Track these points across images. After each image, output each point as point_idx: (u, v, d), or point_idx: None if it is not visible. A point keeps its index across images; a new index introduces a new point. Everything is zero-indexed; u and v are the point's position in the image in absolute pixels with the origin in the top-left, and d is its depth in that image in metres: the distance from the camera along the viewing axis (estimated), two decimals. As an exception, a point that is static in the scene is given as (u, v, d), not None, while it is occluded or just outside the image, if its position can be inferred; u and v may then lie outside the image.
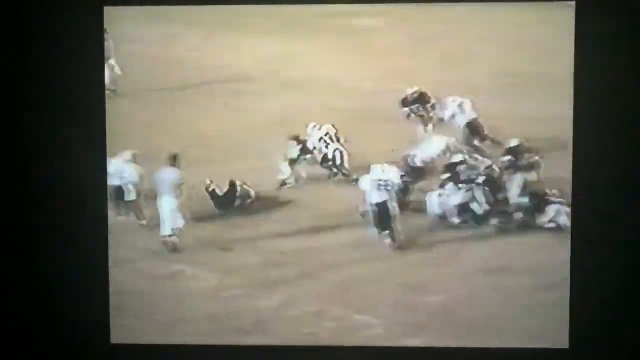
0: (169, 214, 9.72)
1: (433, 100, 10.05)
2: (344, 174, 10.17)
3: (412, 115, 10.14)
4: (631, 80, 8.72)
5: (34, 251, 9.09)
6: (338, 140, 10.15)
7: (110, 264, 9.35)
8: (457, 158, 9.89)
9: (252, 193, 9.97)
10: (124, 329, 9.27)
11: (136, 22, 9.50)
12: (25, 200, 9.06)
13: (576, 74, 8.76)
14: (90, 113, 9.08)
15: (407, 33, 9.58)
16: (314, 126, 10.06)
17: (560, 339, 8.90)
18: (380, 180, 9.65)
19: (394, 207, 9.63)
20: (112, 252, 9.37)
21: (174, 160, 9.76)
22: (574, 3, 8.75)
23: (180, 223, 9.71)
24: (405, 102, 10.07)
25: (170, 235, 9.70)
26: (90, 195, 9.12)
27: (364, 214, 9.64)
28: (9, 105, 9.01)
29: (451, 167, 9.87)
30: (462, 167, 9.83)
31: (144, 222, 9.82)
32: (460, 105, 9.94)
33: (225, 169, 9.99)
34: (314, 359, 9.10)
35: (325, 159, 10.24)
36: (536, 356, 8.93)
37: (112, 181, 9.60)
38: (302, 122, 10.05)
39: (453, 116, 10.04)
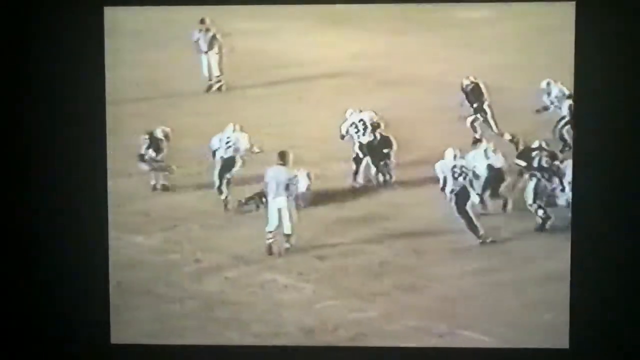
0: (276, 214, 9.44)
1: (485, 97, 9.74)
2: (382, 179, 9.85)
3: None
4: (631, 80, 8.72)
5: (34, 251, 9.09)
6: (377, 128, 9.74)
7: (199, 270, 9.30)
8: (535, 143, 9.51)
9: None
10: (215, 336, 9.16)
11: (235, 17, 9.42)
12: (25, 201, 9.06)
13: (576, 74, 8.76)
14: (90, 113, 9.07)
15: (514, 26, 9.22)
16: (352, 112, 9.73)
17: (560, 339, 8.90)
18: (454, 166, 9.45)
19: (474, 196, 9.44)
20: (202, 257, 9.34)
21: (282, 158, 9.49)
22: (574, 3, 8.76)
23: (288, 228, 9.41)
24: (464, 91, 9.77)
25: (271, 232, 9.42)
26: (91, 195, 9.11)
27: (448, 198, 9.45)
28: (9, 105, 9.01)
29: (526, 153, 9.53)
30: (535, 153, 9.49)
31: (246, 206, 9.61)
32: (562, 90, 9.50)
33: (317, 168, 9.68)
34: (315, 359, 9.09)
35: (361, 147, 9.86)
36: (536, 356, 8.93)
37: (219, 154, 9.70)
38: (399, 120, 9.68)
39: (553, 101, 9.64)
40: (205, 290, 9.26)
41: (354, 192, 9.78)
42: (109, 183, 9.25)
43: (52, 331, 9.11)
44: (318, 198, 9.63)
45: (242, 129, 9.65)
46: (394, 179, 9.78)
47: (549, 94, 9.56)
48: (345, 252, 9.36)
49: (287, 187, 9.46)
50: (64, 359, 9.13)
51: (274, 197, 9.47)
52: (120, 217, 9.35)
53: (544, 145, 9.46)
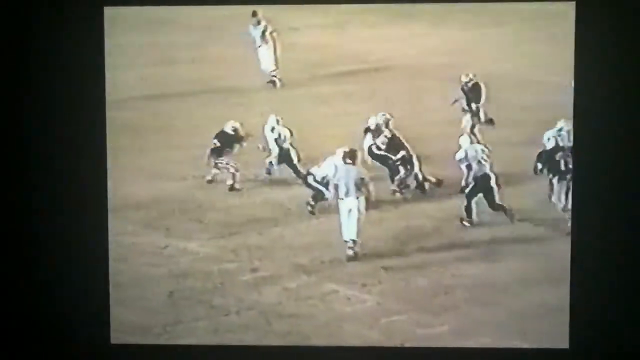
0: (347, 216, 9.01)
1: (483, 98, 9.50)
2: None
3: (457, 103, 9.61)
4: (631, 81, 8.71)
5: (35, 251, 9.08)
6: (379, 133, 9.35)
7: (256, 279, 8.97)
8: (551, 143, 9.19)
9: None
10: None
11: (299, 12, 9.14)
12: (25, 201, 9.05)
13: (576, 73, 8.75)
14: (90, 113, 9.07)
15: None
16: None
17: (560, 339, 8.88)
18: (475, 151, 9.19)
19: (494, 182, 9.14)
20: (260, 266, 8.98)
21: (351, 157, 9.10)
22: (574, 3, 8.74)
23: (354, 232, 8.92)
24: (463, 89, 9.57)
25: (351, 240, 8.97)
26: (91, 195, 9.10)
27: (463, 189, 9.20)
28: (9, 106, 9.00)
29: (549, 155, 9.24)
30: (560, 154, 9.23)
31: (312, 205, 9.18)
32: None
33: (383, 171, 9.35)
34: (314, 359, 9.07)
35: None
36: (536, 356, 8.92)
37: (274, 144, 9.46)
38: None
39: None
40: (262, 301, 8.95)
41: (423, 199, 9.38)
42: (168, 185, 9.18)
43: (52, 331, 9.11)
44: (384, 204, 9.22)
45: (283, 123, 9.38)
46: (409, 186, 9.44)
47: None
48: (413, 262, 8.96)
49: (358, 188, 9.07)
50: (64, 359, 9.13)
51: (343, 198, 9.07)
52: (173, 223, 9.19)
53: (560, 142, 9.21)
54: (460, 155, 9.32)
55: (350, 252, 9.01)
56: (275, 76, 9.88)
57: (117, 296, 9.07)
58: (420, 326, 8.80)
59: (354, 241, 9.04)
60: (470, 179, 9.28)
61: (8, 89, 8.99)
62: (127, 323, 9.01)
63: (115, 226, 9.08)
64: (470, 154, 9.29)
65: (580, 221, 8.85)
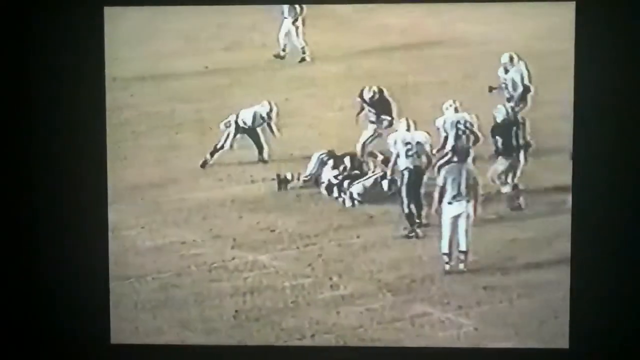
0: (450, 225, 8.01)
1: (393, 113, 8.59)
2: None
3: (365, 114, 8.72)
4: (631, 81, 8.71)
5: (34, 251, 9.08)
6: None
7: (335, 298, 8.12)
8: (501, 115, 8.42)
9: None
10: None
11: None
12: (25, 200, 9.05)
13: (576, 74, 8.75)
14: (90, 113, 9.07)
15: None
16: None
17: (560, 339, 8.89)
18: (458, 121, 8.34)
19: (470, 160, 8.33)
20: (339, 282, 8.12)
21: (458, 153, 8.28)
22: (574, 3, 8.74)
23: (464, 242, 7.96)
24: (361, 98, 8.69)
25: (447, 254, 8.03)
26: (91, 193, 9.11)
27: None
28: (9, 105, 9.00)
29: (501, 129, 8.52)
30: (514, 129, 8.49)
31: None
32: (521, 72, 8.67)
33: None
34: (316, 359, 9.06)
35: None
36: (536, 356, 8.92)
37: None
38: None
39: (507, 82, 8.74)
40: (341, 323, 8.20)
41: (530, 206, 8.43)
42: (235, 188, 8.65)
43: (52, 331, 9.11)
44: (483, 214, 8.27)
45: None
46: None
47: (506, 70, 8.79)
48: (518, 280, 8.16)
49: (468, 191, 8.12)
50: (64, 359, 9.12)
51: (451, 202, 8.11)
52: (240, 232, 8.41)
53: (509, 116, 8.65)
54: (439, 122, 8.64)
55: (462, 266, 8.12)
56: (304, 53, 9.00)
57: (176, 316, 8.57)
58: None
59: (464, 253, 8.16)
60: (448, 150, 8.52)
61: (8, 89, 8.99)
62: (188, 345, 8.44)
63: (175, 235, 8.53)
64: (450, 123, 8.53)
65: (580, 221, 8.85)
